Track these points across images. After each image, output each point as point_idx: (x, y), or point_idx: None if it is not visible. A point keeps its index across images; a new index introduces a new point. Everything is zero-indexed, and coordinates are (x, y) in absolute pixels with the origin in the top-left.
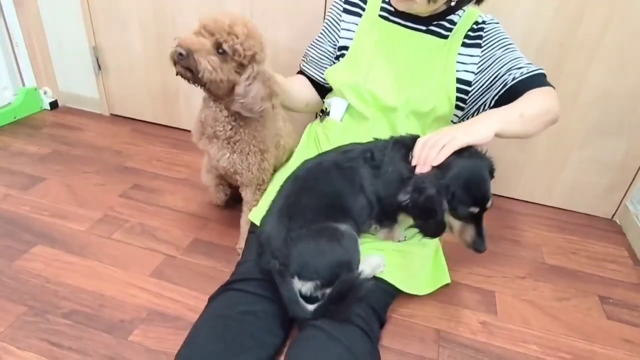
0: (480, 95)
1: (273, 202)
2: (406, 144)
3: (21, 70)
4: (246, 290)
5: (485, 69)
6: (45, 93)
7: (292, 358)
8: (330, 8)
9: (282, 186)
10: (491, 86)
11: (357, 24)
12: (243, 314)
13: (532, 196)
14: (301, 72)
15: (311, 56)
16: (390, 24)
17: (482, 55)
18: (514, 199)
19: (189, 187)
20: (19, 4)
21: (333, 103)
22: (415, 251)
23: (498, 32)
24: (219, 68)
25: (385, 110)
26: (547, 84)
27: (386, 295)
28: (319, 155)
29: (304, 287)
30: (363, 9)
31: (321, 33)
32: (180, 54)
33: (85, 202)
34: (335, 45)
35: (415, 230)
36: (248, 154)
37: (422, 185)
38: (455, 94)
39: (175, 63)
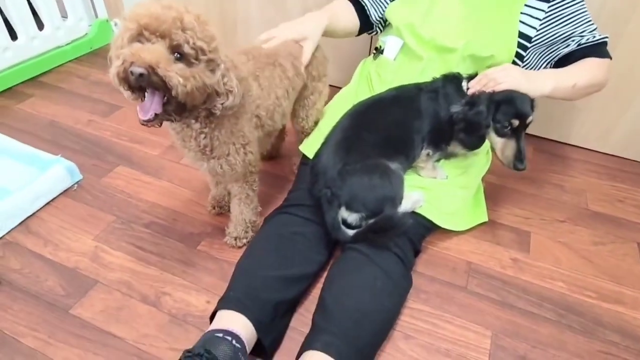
0: (539, 54)
1: (330, 135)
2: (460, 78)
3: (94, 2)
4: (297, 214)
5: (549, 27)
6: (115, 25)
7: (333, 274)
8: None
9: (339, 121)
10: (551, 47)
11: None
12: (294, 234)
13: (586, 141)
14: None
15: None
16: None
17: (548, 12)
18: (566, 144)
19: None
20: None
21: (388, 41)
22: (455, 192)
23: None
24: (191, 77)
25: (442, 51)
26: (606, 54)
27: (423, 228)
28: (376, 95)
29: (350, 217)
30: None
31: None
32: (141, 75)
33: (156, 130)
34: None
35: (458, 170)
36: (228, 155)
37: (474, 100)
38: (515, 48)
39: (129, 85)
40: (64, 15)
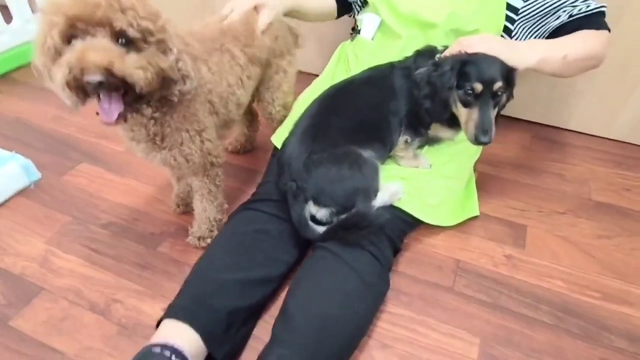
0: (529, 28)
1: (297, 122)
2: (434, 51)
3: None
4: (263, 210)
5: None
6: None
7: (298, 276)
8: None
9: (308, 107)
10: (541, 20)
11: None
12: (257, 232)
13: (589, 127)
14: None
15: None
16: None
17: None
18: (567, 129)
19: None
20: None
21: (364, 20)
22: (440, 183)
23: None
24: (148, 66)
25: (423, 27)
26: (603, 25)
27: (403, 223)
28: (349, 77)
29: (319, 212)
30: None
31: None
32: (101, 83)
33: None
34: None
35: (444, 158)
36: (181, 144)
37: (440, 62)
38: (502, 20)
39: (84, 93)
40: (36, 10)
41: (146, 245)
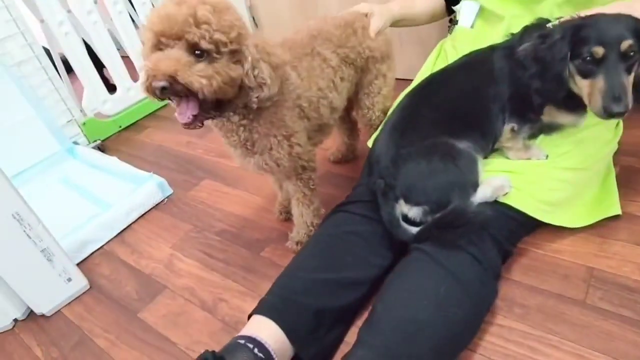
0: None
1: (388, 118)
2: (544, 24)
3: None
4: (353, 212)
5: None
6: None
7: (390, 279)
8: None
9: (399, 101)
10: None
11: None
12: (347, 234)
13: None
14: None
15: None
16: None
17: None
18: None
19: None
20: None
21: (462, 8)
22: (560, 176)
23: None
24: (215, 74)
25: (528, 2)
26: None
27: (512, 222)
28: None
29: (411, 211)
30: None
31: None
32: (164, 88)
33: None
34: None
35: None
36: (271, 149)
37: (548, 32)
38: None
39: (160, 98)
40: None
41: (251, 250)
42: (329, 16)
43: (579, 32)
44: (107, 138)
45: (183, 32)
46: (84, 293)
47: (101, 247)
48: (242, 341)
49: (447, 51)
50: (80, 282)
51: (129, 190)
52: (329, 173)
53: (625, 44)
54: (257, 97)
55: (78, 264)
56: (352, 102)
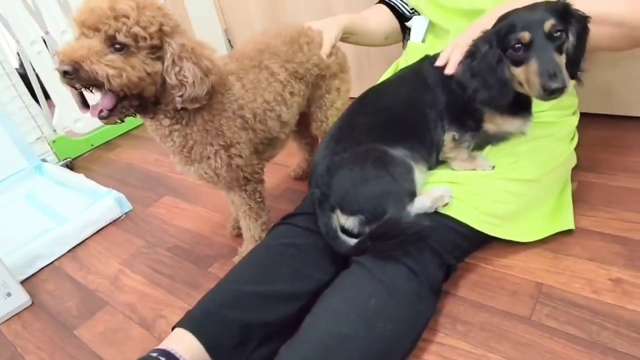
0: None
1: (330, 128)
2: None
3: None
4: (296, 224)
5: None
6: None
7: (325, 292)
8: None
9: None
10: None
11: None
12: (286, 246)
13: None
14: (381, 1)
15: None
16: None
17: None
18: None
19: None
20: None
21: (413, 23)
22: (507, 187)
23: None
24: (127, 67)
25: (471, 16)
26: None
27: (455, 235)
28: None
29: (347, 222)
30: None
31: None
32: (66, 72)
33: None
34: None
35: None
36: (208, 158)
37: (474, 49)
38: None
39: (68, 84)
40: None
41: (199, 266)
42: (274, 30)
43: (501, 31)
44: (79, 156)
45: (100, 23)
46: (25, 309)
47: (51, 262)
48: (155, 354)
49: (400, 66)
50: (20, 298)
51: (84, 205)
52: (290, 189)
53: (548, 24)
54: (179, 97)
55: (25, 279)
56: (308, 115)
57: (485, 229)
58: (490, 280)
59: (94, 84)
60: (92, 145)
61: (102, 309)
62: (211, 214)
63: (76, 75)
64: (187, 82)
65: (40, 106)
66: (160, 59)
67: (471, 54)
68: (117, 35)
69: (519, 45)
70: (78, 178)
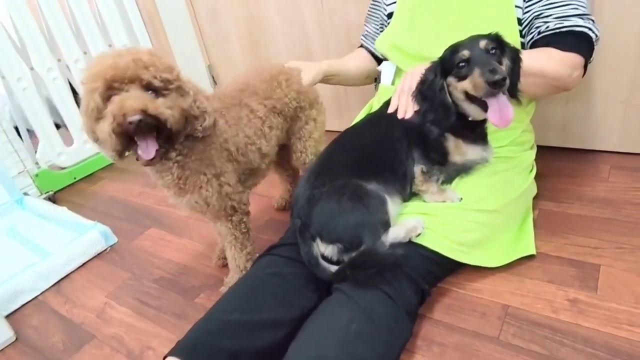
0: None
1: (310, 165)
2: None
3: None
4: (279, 254)
5: (528, 6)
6: None
7: (309, 319)
8: None
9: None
10: (527, 30)
11: None
12: (270, 276)
13: None
14: (362, 46)
15: (367, 31)
16: None
17: None
18: None
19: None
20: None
21: (382, 68)
22: (474, 218)
23: None
24: (174, 107)
25: None
26: (577, 48)
27: (428, 262)
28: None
29: (327, 250)
30: None
31: (370, 5)
32: (140, 120)
33: None
34: (385, 14)
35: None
36: (200, 187)
37: (425, 78)
38: (518, 36)
39: (128, 137)
40: None
41: (186, 296)
42: (255, 70)
43: (445, 57)
44: (61, 189)
45: (137, 74)
46: (8, 345)
47: (35, 297)
48: None
49: (373, 108)
50: (5, 334)
51: (70, 240)
52: (272, 220)
53: (483, 42)
54: (201, 126)
55: (9, 315)
56: (289, 149)
57: (455, 256)
58: (462, 304)
59: (152, 128)
60: (75, 178)
61: (89, 342)
62: (197, 246)
63: (144, 122)
64: (206, 111)
65: (22, 140)
66: (183, 96)
67: (422, 82)
68: (153, 81)
69: (462, 62)
70: (61, 211)
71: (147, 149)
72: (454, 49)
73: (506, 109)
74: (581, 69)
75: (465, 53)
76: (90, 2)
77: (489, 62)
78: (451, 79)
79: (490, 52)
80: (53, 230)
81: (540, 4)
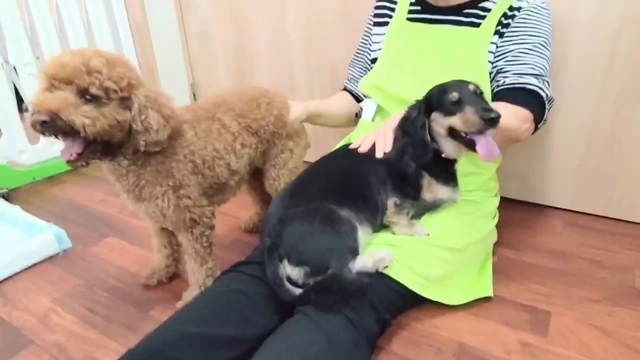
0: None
1: (285, 186)
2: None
3: None
4: (245, 272)
5: (494, 62)
6: None
7: (268, 339)
8: (366, 24)
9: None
10: (492, 83)
11: (385, 34)
12: (234, 292)
13: (631, 214)
14: (345, 89)
15: (351, 75)
16: (418, 24)
17: (500, 45)
18: (605, 217)
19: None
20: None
21: (364, 105)
22: (437, 254)
23: (528, 21)
24: (100, 116)
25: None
26: (531, 104)
27: (392, 293)
28: None
29: (293, 272)
30: (391, 17)
31: (356, 51)
32: (44, 122)
33: None
34: (369, 59)
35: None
36: (157, 197)
37: (408, 115)
38: (489, 87)
39: (43, 132)
40: None
41: (139, 308)
42: (237, 90)
43: (433, 96)
44: (18, 188)
45: (74, 77)
46: None
47: None
48: None
49: (352, 141)
50: None
51: (18, 239)
52: (239, 241)
53: (471, 86)
54: (144, 141)
55: None
56: (263, 174)
57: (416, 289)
58: (420, 338)
59: (67, 132)
60: (34, 178)
61: (26, 348)
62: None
63: (52, 125)
64: (151, 128)
65: None
66: (128, 108)
67: (405, 118)
68: (90, 88)
69: (451, 101)
70: (12, 209)
71: (68, 149)
72: (442, 89)
73: (493, 145)
74: (530, 123)
75: (456, 95)
76: (79, 5)
77: (481, 102)
78: (436, 115)
79: (478, 93)
80: (3, 228)
81: (504, 60)
